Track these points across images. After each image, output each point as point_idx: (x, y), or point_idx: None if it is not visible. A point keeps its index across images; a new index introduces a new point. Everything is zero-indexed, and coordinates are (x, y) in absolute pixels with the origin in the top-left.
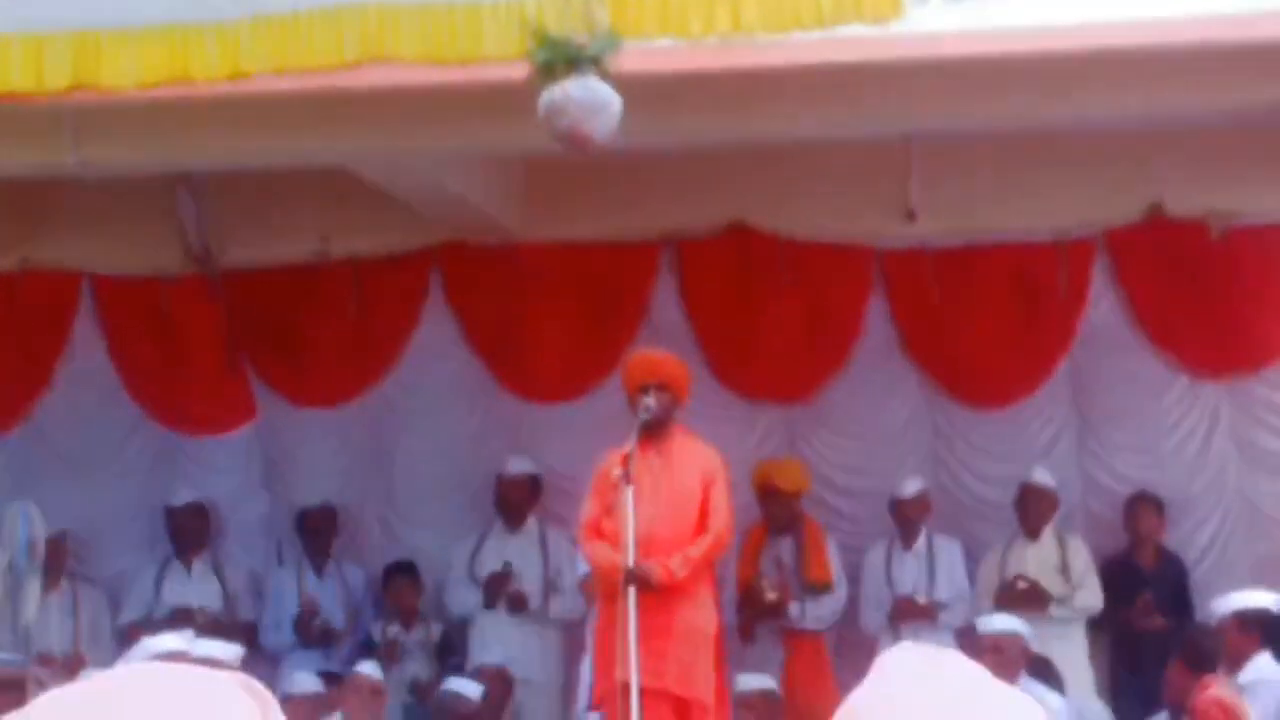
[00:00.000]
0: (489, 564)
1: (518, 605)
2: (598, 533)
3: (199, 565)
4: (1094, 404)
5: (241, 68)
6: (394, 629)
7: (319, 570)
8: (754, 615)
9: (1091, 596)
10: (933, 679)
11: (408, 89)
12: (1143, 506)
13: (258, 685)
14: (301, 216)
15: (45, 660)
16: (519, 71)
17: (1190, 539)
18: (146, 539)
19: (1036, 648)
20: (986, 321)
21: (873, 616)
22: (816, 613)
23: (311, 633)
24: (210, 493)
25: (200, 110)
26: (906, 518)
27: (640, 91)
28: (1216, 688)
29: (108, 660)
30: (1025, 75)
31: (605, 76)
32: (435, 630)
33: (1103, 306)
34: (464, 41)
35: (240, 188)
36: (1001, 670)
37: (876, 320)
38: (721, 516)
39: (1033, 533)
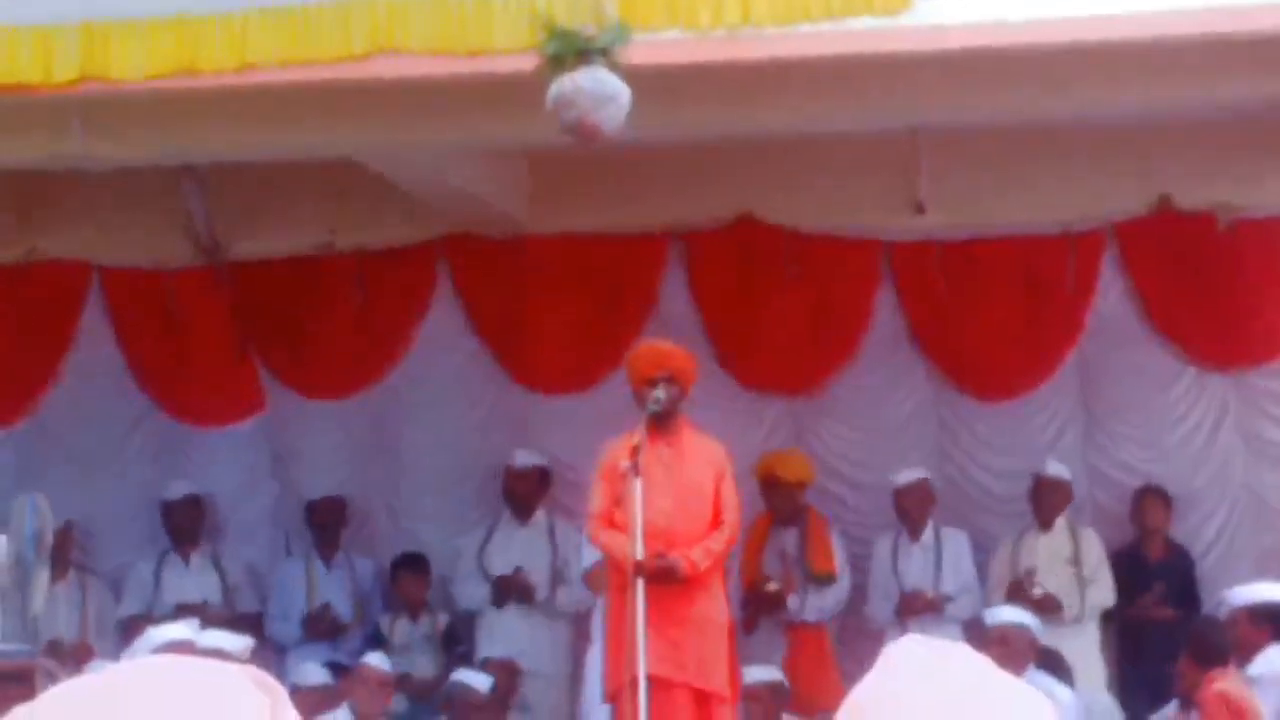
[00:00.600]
0: (498, 556)
1: (525, 597)
2: (611, 523)
3: (197, 558)
4: (1101, 396)
5: (248, 60)
6: (401, 623)
7: (327, 561)
8: (757, 609)
9: (1104, 594)
10: (939, 672)
11: (416, 81)
12: (1150, 499)
13: (268, 678)
14: (308, 208)
15: (53, 651)
16: (528, 63)
17: (1197, 531)
18: (153, 531)
19: (1045, 640)
20: (994, 314)
21: (880, 608)
22: (818, 604)
23: (321, 629)
24: (217, 484)
25: (207, 102)
26: (904, 507)
27: (649, 83)
28: (1224, 681)
29: (113, 651)
30: (1033, 68)
31: (614, 68)
32: (441, 621)
33: (1110, 299)
34: (473, 33)
35: (247, 179)
36: (1009, 663)
37: (884, 312)
38: (733, 510)
39: (1045, 524)
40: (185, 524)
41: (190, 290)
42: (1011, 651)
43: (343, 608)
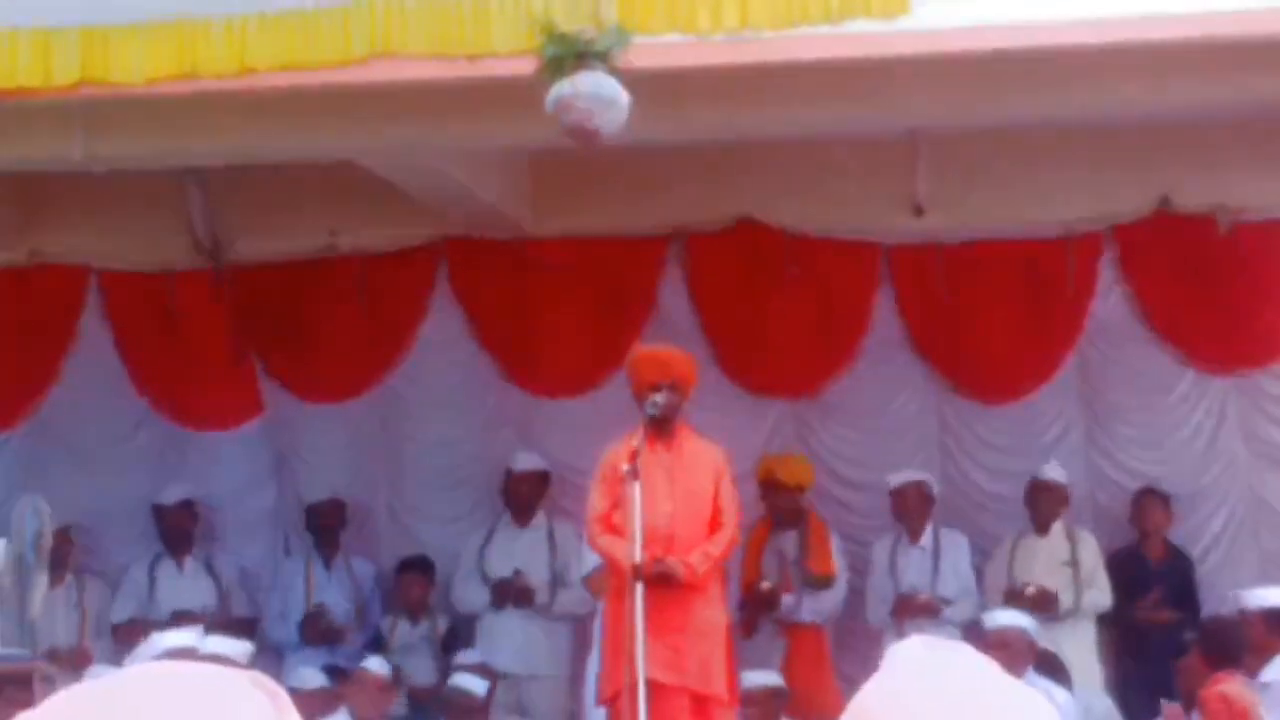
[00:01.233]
0: (498, 559)
1: (524, 600)
2: (609, 526)
3: (191, 563)
4: (1102, 398)
5: (249, 63)
6: (401, 626)
7: (327, 564)
8: (753, 610)
9: (1101, 595)
10: (943, 673)
11: (415, 84)
12: (1150, 501)
13: (270, 682)
14: (309, 211)
15: (51, 655)
16: (527, 66)
17: (1197, 533)
18: (151, 534)
19: (1044, 642)
20: (994, 316)
21: (878, 611)
22: (814, 606)
23: (318, 633)
24: (216, 487)
25: (208, 105)
26: (900, 509)
27: (648, 86)
28: (1229, 684)
29: (109, 655)
30: (1032, 70)
31: (613, 72)
32: (441, 624)
33: (1110, 301)
34: (472, 36)
35: (248, 182)
36: (1008, 665)
37: (884, 315)
38: (732, 514)
39: (1042, 528)
40: (179, 528)
41: (190, 293)
42: (1010, 654)
43: (342, 610)
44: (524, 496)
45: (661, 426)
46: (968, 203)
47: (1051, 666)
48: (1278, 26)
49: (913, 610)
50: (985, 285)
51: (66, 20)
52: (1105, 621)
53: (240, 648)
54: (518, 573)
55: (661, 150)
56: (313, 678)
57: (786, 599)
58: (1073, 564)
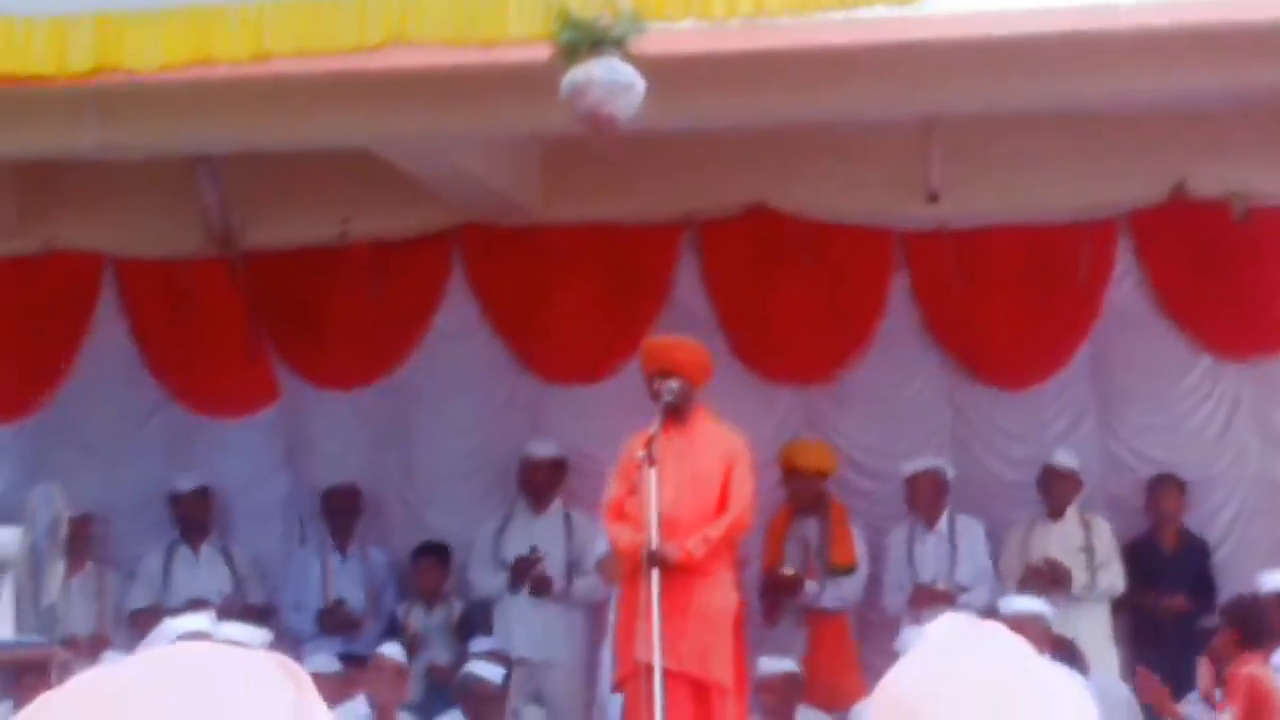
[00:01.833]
0: (513, 545)
1: (542, 588)
2: (620, 514)
3: (206, 550)
4: (1116, 385)
5: (263, 50)
6: (416, 612)
7: (342, 551)
8: (776, 595)
9: (1114, 578)
10: (970, 654)
11: (430, 71)
12: (1164, 487)
13: (291, 663)
14: (323, 198)
15: (68, 642)
16: (542, 53)
17: (1212, 520)
18: (166, 522)
19: (1060, 629)
20: (1008, 303)
21: (895, 598)
22: (837, 593)
23: (335, 623)
24: (230, 475)
25: (222, 92)
26: (913, 497)
27: (663, 73)
28: (1255, 665)
29: (125, 643)
30: (1045, 56)
31: (628, 58)
32: (456, 610)
33: (1125, 287)
34: (487, 23)
35: (262, 169)
36: None
37: (898, 301)
38: (742, 498)
39: (1056, 513)
40: (194, 516)
41: (204, 281)
42: (1026, 641)
43: (357, 599)
44: (540, 484)
45: (676, 413)
46: (982, 189)
47: (1068, 653)
48: None
49: (930, 600)
50: (999, 272)
51: (80, 7)
52: (1121, 608)
53: (257, 635)
54: (534, 550)
55: (676, 136)
56: (329, 664)
57: (810, 585)
58: (1087, 549)
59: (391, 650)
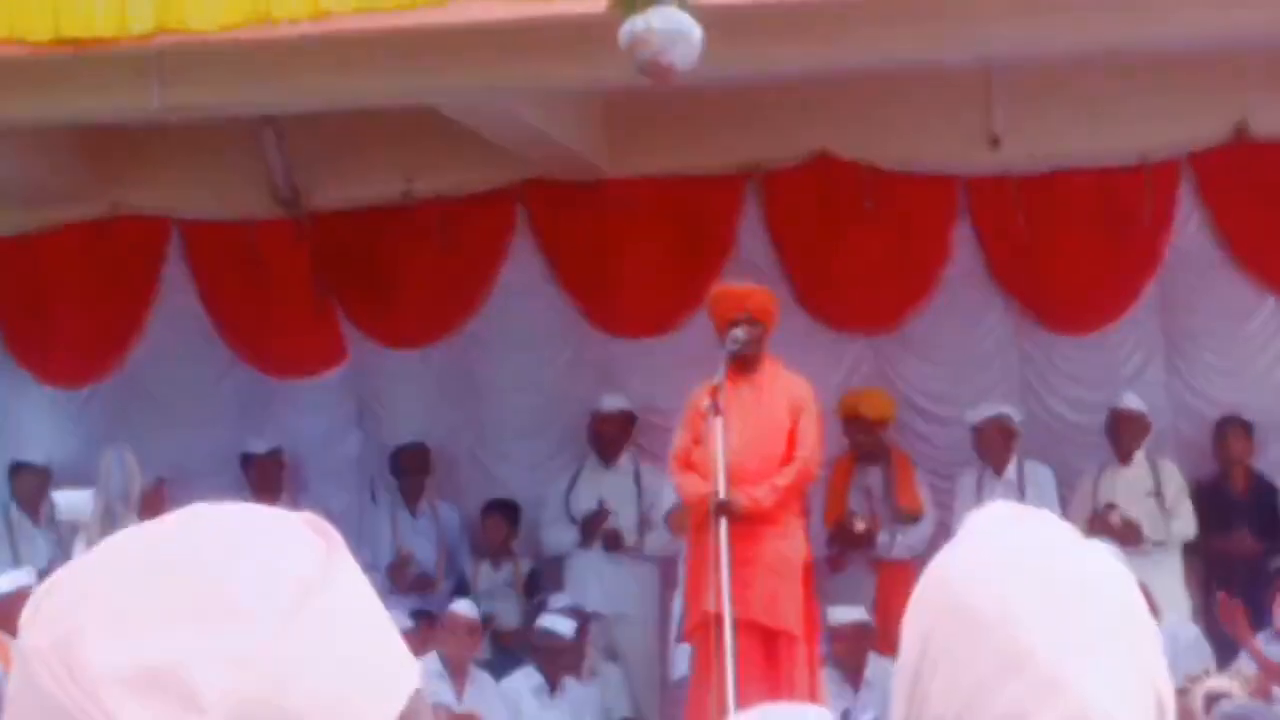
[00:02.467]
0: (584, 501)
1: (614, 543)
2: (688, 463)
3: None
4: (1181, 328)
5: (324, 8)
6: (484, 569)
7: (413, 509)
8: (845, 547)
9: (1186, 525)
10: (1020, 538)
11: (491, 25)
12: (1232, 430)
13: (323, 523)
14: (387, 156)
15: None
16: (600, 4)
17: None
18: (238, 484)
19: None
20: (1073, 247)
21: None
22: (906, 542)
23: (406, 581)
24: (301, 435)
25: (284, 52)
26: (981, 445)
27: (721, 21)
28: None
29: None
30: None
31: (685, 6)
32: (524, 568)
33: (1189, 229)
34: None
35: (325, 129)
36: None
37: (963, 248)
38: (809, 446)
39: (1124, 457)
40: (267, 478)
41: (271, 241)
42: None
43: (428, 556)
44: (609, 438)
45: (743, 363)
46: (1044, 134)
47: None
48: None
49: None
50: (1063, 216)
51: None
52: (1191, 551)
53: None
54: (603, 504)
55: (736, 87)
56: (401, 621)
57: (881, 537)
58: (1156, 494)
59: (463, 607)
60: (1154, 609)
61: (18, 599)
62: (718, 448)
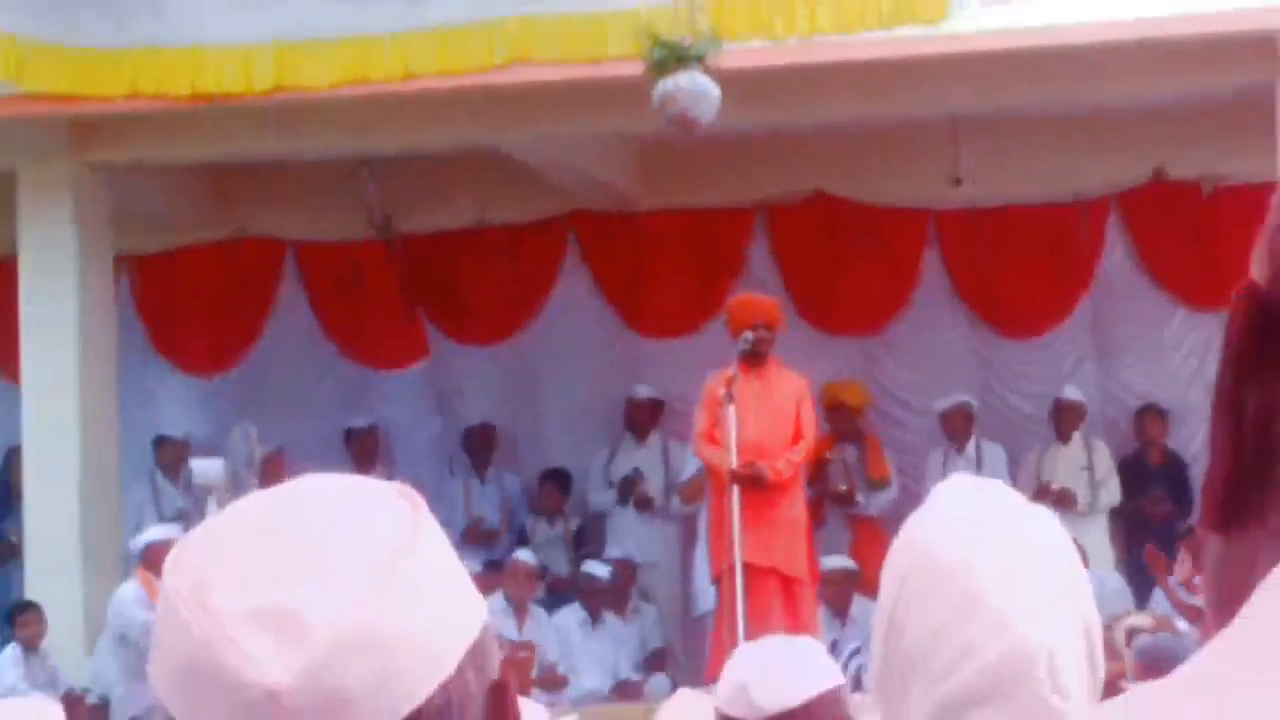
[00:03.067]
0: (621, 471)
1: (645, 506)
2: (711, 439)
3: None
4: (1110, 334)
5: (411, 70)
6: (540, 526)
7: (482, 478)
8: (822, 496)
9: (1112, 494)
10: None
11: (548, 85)
12: (1150, 415)
13: (412, 491)
14: (462, 191)
15: None
16: (636, 69)
17: (1189, 441)
18: (343, 459)
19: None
20: (1021, 269)
21: None
22: (878, 502)
23: (475, 537)
24: (392, 418)
25: (379, 105)
26: (947, 427)
27: (735, 84)
28: None
29: None
30: (1049, 65)
31: (707, 71)
32: (573, 525)
33: (1115, 255)
34: (591, 44)
35: (412, 168)
36: None
37: (932, 270)
38: (812, 429)
39: (1064, 438)
40: (365, 450)
41: (367, 260)
42: None
43: (494, 516)
44: (641, 420)
45: (754, 359)
46: (998, 177)
47: None
48: (1249, 25)
49: None
50: (1014, 244)
51: (262, 37)
52: (1115, 515)
53: None
54: (636, 470)
55: (747, 136)
56: (472, 568)
57: (859, 498)
58: (1089, 468)
59: (524, 556)
60: (1085, 561)
61: (164, 547)
62: (731, 429)
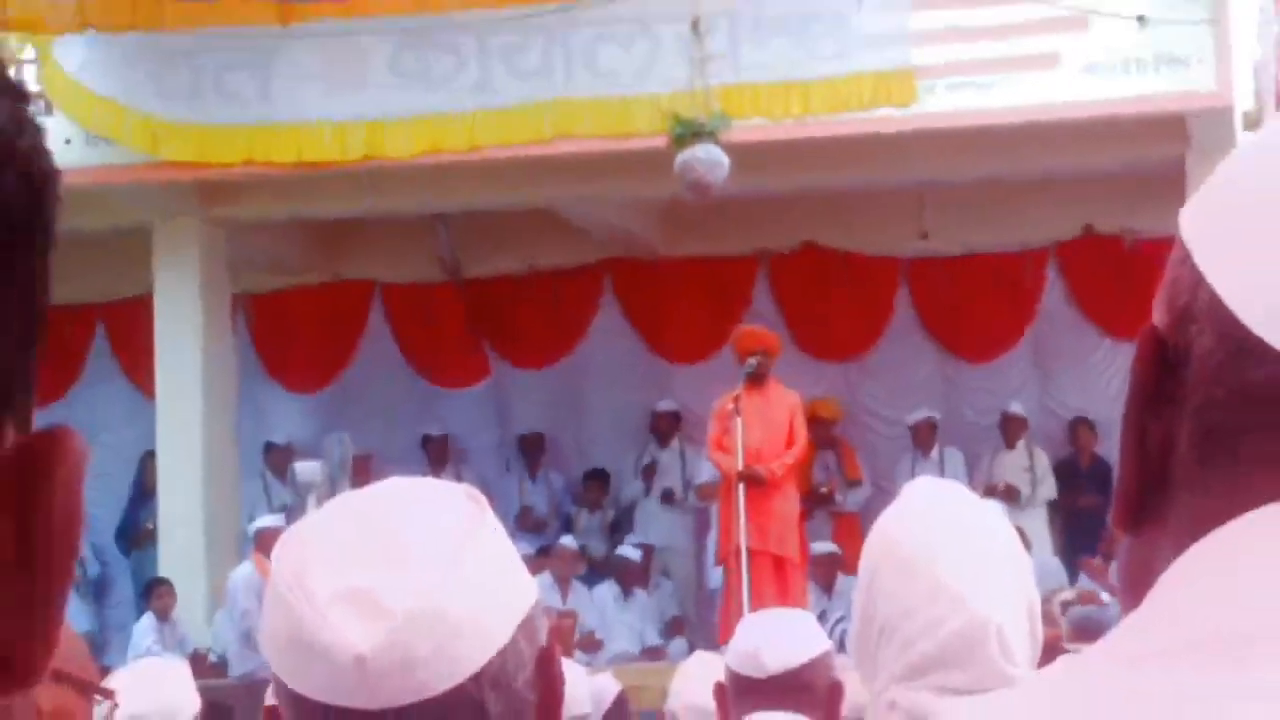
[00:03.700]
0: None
1: (667, 499)
2: (721, 446)
3: (445, 478)
4: (1048, 359)
5: (476, 142)
6: (583, 516)
7: (533, 476)
8: (811, 502)
9: (1049, 489)
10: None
11: (587, 154)
12: (1081, 427)
13: (476, 491)
14: (517, 241)
15: None
16: (661, 141)
17: (1113, 448)
18: (421, 461)
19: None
20: (977, 307)
21: None
22: (854, 499)
23: (527, 524)
24: (459, 427)
25: (450, 171)
26: (916, 437)
27: (742, 154)
28: None
29: None
30: (1000, 139)
31: (719, 144)
32: (610, 515)
33: (1054, 295)
34: (623, 122)
35: (478, 221)
36: None
37: (903, 307)
38: (803, 437)
39: (1010, 445)
40: (438, 454)
41: (440, 298)
42: None
43: (542, 508)
44: (664, 429)
45: (756, 380)
46: (958, 230)
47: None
48: (1163, 108)
49: None
50: (971, 285)
51: (354, 116)
52: (1052, 508)
53: None
54: (654, 460)
55: (751, 197)
56: (524, 551)
57: (837, 496)
58: (1030, 469)
59: (568, 541)
60: (1027, 546)
61: (272, 534)
62: (738, 439)
